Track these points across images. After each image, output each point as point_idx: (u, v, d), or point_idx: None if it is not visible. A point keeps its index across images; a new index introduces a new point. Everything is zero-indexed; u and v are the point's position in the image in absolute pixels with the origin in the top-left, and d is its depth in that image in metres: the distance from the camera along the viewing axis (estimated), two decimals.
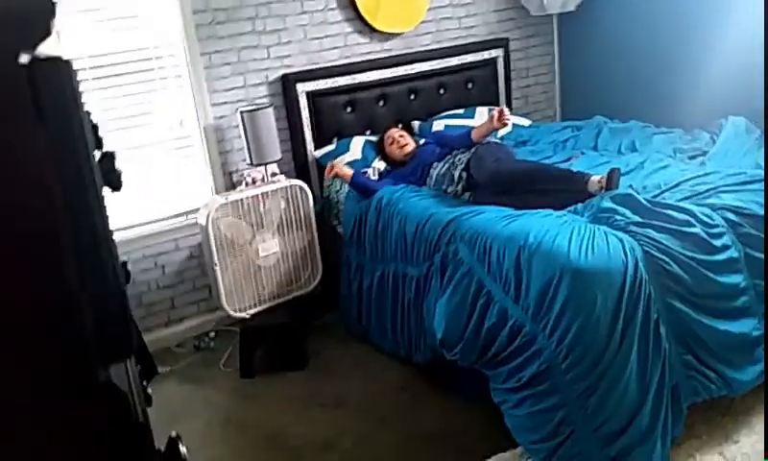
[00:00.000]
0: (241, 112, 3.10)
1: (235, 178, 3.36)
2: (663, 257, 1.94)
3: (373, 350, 2.94)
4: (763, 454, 1.86)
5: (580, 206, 2.27)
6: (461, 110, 3.72)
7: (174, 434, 1.04)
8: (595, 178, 2.34)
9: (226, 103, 3.29)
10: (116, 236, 3.07)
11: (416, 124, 3.71)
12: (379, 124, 3.62)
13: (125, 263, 1.95)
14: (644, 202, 2.12)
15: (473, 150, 2.86)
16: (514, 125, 3.60)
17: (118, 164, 1.12)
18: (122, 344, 0.89)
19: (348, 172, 3.13)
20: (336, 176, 3.18)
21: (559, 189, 2.41)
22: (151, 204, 3.24)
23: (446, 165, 2.93)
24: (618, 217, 2.07)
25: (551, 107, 4.35)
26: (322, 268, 3.16)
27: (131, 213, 3.19)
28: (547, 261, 1.94)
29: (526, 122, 3.68)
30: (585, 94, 4.14)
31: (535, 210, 2.30)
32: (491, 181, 2.58)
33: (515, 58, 4.09)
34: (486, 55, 3.93)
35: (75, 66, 0.87)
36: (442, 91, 3.81)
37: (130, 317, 0.92)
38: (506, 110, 2.76)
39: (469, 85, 3.90)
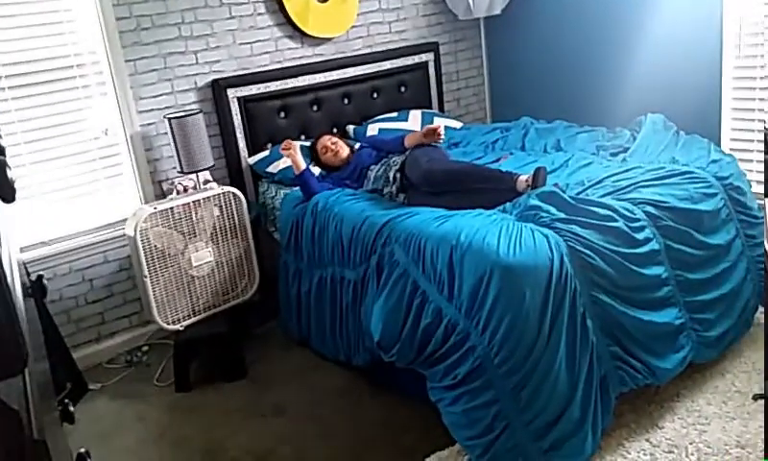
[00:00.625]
0: (168, 119, 3.02)
1: (165, 186, 3.28)
2: (587, 252, 2.02)
3: (314, 356, 2.92)
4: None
5: (509, 204, 2.32)
6: (394, 114, 3.75)
7: (83, 450, 1.00)
8: (522, 177, 2.41)
9: (153, 110, 3.20)
10: (41, 251, 2.96)
11: (350, 128, 3.72)
12: (314, 128, 3.61)
13: (40, 278, 1.88)
14: (568, 198, 2.19)
15: (408, 152, 2.89)
16: (446, 127, 3.65)
17: (14, 174, 1.06)
18: (10, 359, 0.85)
19: (301, 163, 3.05)
20: (290, 157, 3.04)
21: (489, 189, 2.46)
22: (77, 216, 3.12)
23: (383, 167, 2.94)
24: (544, 214, 2.13)
25: (482, 108, 4.45)
26: (259, 275, 3.11)
27: (56, 227, 3.06)
28: (478, 259, 1.98)
29: (458, 124, 3.75)
30: (513, 95, 4.26)
31: (467, 210, 2.35)
32: (424, 181, 2.61)
33: (445, 61, 4.16)
34: (417, 59, 3.98)
35: None
36: (375, 95, 3.83)
37: (19, 331, 0.88)
38: (441, 130, 2.87)
39: (402, 89, 3.94)
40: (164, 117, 3.07)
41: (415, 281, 2.19)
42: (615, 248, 2.07)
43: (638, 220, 2.16)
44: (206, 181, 3.30)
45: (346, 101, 3.73)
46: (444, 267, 2.09)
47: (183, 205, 2.82)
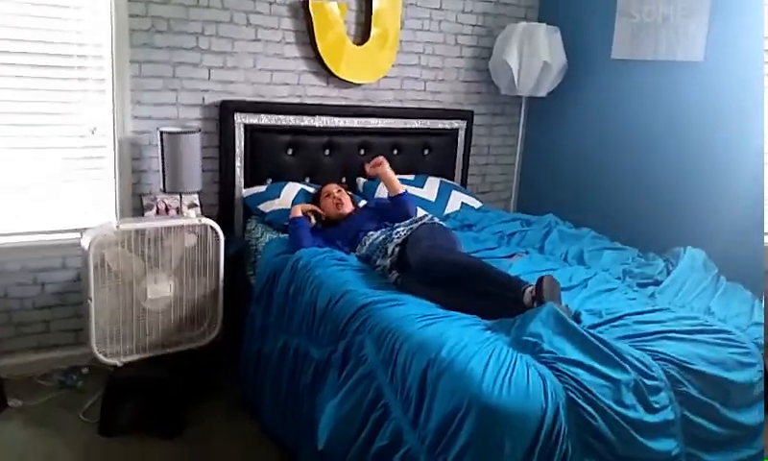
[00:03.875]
0: (161, 132, 2.74)
1: (146, 201, 2.98)
2: (589, 408, 1.65)
3: (261, 431, 2.55)
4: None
5: (508, 320, 1.97)
6: (411, 176, 3.44)
7: None
8: (529, 287, 2.05)
9: (150, 118, 2.94)
10: None
11: (361, 181, 3.41)
12: (321, 173, 3.31)
13: None
14: (580, 331, 1.83)
15: (414, 227, 2.56)
16: (462, 204, 3.34)
17: None
18: None
19: (299, 212, 2.79)
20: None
21: (492, 293, 2.11)
22: (42, 213, 2.83)
23: (383, 236, 2.62)
24: (546, 347, 1.77)
25: (508, 189, 4.12)
26: (222, 322, 2.77)
27: (14, 219, 2.77)
28: (455, 386, 1.63)
29: (476, 204, 3.42)
30: (543, 185, 3.94)
31: (460, 314, 2.01)
32: (421, 267, 2.27)
33: (477, 133, 3.87)
34: (447, 124, 3.69)
35: None
36: (395, 152, 3.54)
37: None
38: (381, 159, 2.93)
39: (426, 152, 3.64)
40: (158, 129, 2.79)
41: (379, 389, 1.84)
42: (623, 410, 1.69)
43: (655, 379, 1.78)
44: (192, 205, 3.02)
45: (362, 151, 3.43)
46: (414, 382, 1.74)
47: (151, 229, 2.51)
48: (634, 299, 2.28)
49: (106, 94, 2.84)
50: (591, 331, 1.88)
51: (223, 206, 3.15)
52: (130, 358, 2.55)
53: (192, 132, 2.78)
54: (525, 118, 3.89)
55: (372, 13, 3.30)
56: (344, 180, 3.40)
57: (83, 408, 2.64)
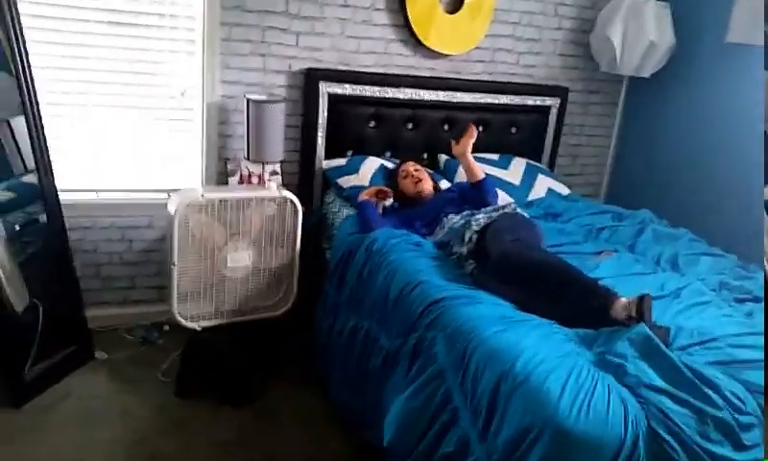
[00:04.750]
0: (248, 99, 2.74)
1: (230, 166, 3.02)
2: (671, 440, 1.53)
3: (328, 406, 2.57)
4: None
5: (592, 332, 1.86)
6: (495, 156, 3.31)
7: None
8: (622, 301, 1.90)
9: (238, 83, 2.94)
10: (87, 197, 2.75)
11: (443, 158, 3.31)
12: (403, 147, 3.24)
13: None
14: (669, 356, 1.70)
15: (494, 218, 2.46)
16: (549, 190, 3.18)
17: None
18: None
19: (364, 195, 2.75)
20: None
21: (576, 300, 1.99)
22: (132, 172, 2.92)
23: (462, 221, 2.53)
24: (631, 370, 1.65)
25: (599, 173, 3.90)
26: (296, 293, 2.79)
27: (106, 176, 2.88)
28: (529, 405, 1.55)
29: (564, 190, 3.24)
30: (638, 172, 3.69)
31: (538, 318, 1.91)
32: (499, 261, 2.15)
33: (570, 111, 3.65)
34: (539, 101, 3.49)
35: None
36: (481, 128, 3.39)
37: None
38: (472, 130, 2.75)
39: (513, 130, 3.48)
40: (244, 95, 2.79)
41: (448, 391, 1.79)
42: (708, 445, 1.56)
43: (749, 414, 1.64)
44: (273, 173, 3.03)
45: (446, 127, 3.32)
46: (486, 392, 1.67)
47: (235, 199, 2.53)
48: (730, 316, 2.10)
49: (196, 57, 2.86)
50: (682, 357, 1.75)
51: (303, 175, 3.14)
52: (208, 323, 2.61)
53: (277, 101, 2.76)
54: (624, 99, 3.63)
55: None
56: (425, 156, 3.31)
57: (161, 368, 2.75)
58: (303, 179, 3.15)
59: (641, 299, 1.86)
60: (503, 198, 3.02)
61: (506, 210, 2.50)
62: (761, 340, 1.92)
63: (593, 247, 2.63)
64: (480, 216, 2.49)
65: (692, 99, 3.36)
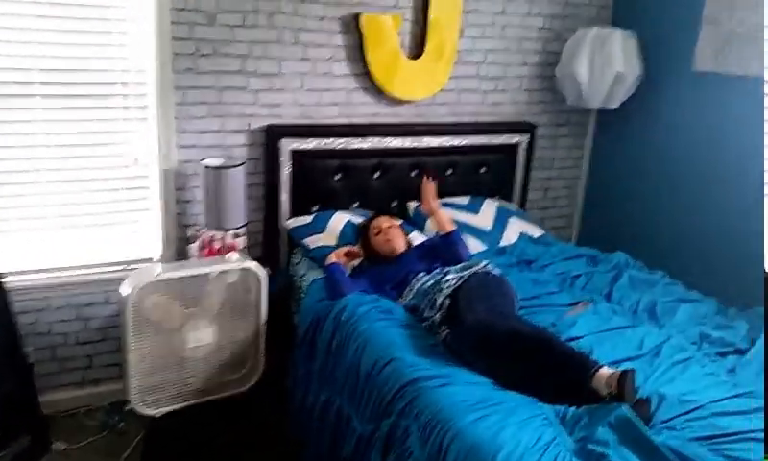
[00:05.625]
0: (205, 166, 2.63)
1: (190, 232, 2.90)
2: None
3: None
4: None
5: (572, 412, 1.77)
6: (465, 200, 3.23)
7: None
8: (605, 371, 1.82)
9: (195, 147, 2.82)
10: (36, 279, 2.61)
11: (411, 205, 3.22)
12: (371, 197, 3.15)
13: None
14: (652, 441, 1.61)
15: (464, 277, 2.37)
16: (521, 234, 3.11)
17: None
18: None
19: (332, 257, 2.66)
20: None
21: (556, 372, 1.90)
22: (85, 247, 2.78)
23: (431, 281, 2.45)
24: (614, 459, 1.57)
25: (572, 204, 3.85)
26: (264, 366, 2.67)
27: (57, 254, 2.73)
28: None
29: (537, 232, 3.17)
30: (611, 202, 3.64)
31: (517, 397, 1.83)
32: (476, 333, 2.06)
33: (540, 145, 3.60)
34: (507, 139, 3.42)
35: None
36: (450, 171, 3.32)
37: None
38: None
39: (483, 169, 3.40)
40: (201, 162, 2.68)
41: None
42: None
43: None
44: (236, 236, 2.91)
45: (414, 172, 3.23)
46: None
47: (192, 276, 2.41)
48: (712, 373, 2.04)
49: (149, 122, 2.74)
50: (665, 435, 1.67)
51: (268, 235, 3.03)
52: (169, 408, 2.48)
53: (235, 165, 2.65)
54: (593, 130, 3.58)
55: (428, 23, 3.06)
56: (395, 204, 3.22)
57: (123, 454, 2.61)
58: (268, 238, 3.04)
59: (623, 375, 1.78)
60: (475, 246, 2.96)
61: (477, 270, 2.42)
62: (747, 403, 1.86)
63: (569, 297, 2.55)
64: (450, 276, 2.41)
65: (662, 128, 3.32)
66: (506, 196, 3.49)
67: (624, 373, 1.78)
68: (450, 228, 2.73)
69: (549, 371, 1.92)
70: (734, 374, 2.05)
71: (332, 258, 2.64)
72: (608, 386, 1.78)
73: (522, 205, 3.56)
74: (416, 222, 3.12)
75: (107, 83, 2.63)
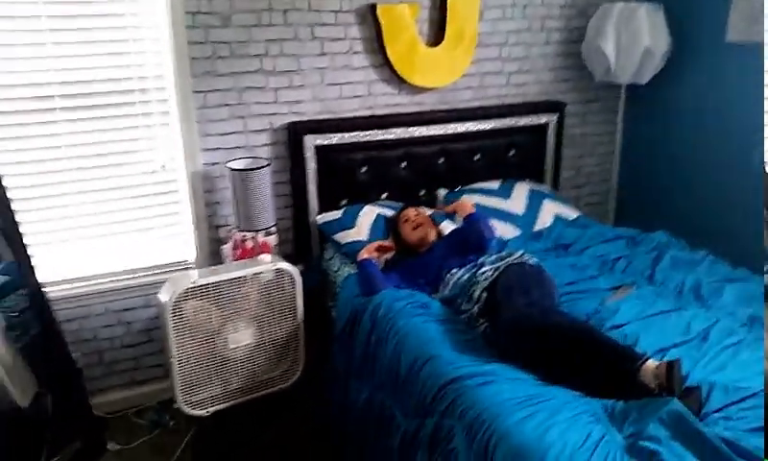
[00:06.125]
0: (231, 169, 2.61)
1: (223, 233, 2.90)
2: None
3: None
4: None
5: (621, 406, 1.72)
6: (495, 185, 3.16)
7: None
8: (651, 364, 1.76)
9: (219, 149, 2.81)
10: (77, 288, 2.63)
11: (441, 192, 3.18)
12: (399, 187, 3.11)
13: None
14: (706, 435, 1.56)
15: (500, 269, 2.32)
16: (556, 217, 3.04)
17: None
18: None
19: (364, 253, 2.64)
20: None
21: (600, 366, 1.85)
22: (121, 254, 2.80)
23: (467, 274, 2.40)
24: (666, 456, 1.51)
25: (606, 180, 3.75)
26: (304, 361, 2.67)
27: (95, 262, 2.76)
28: None
29: (572, 214, 3.09)
30: (648, 177, 3.54)
31: (563, 392, 1.78)
32: (515, 330, 2.01)
33: (569, 123, 3.50)
34: (535, 119, 3.34)
35: None
36: (477, 156, 3.25)
37: None
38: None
39: (511, 153, 3.33)
40: (226, 165, 2.66)
41: None
42: None
43: None
44: (268, 233, 2.89)
45: (441, 160, 3.18)
46: None
47: (227, 280, 2.41)
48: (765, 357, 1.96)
49: (172, 127, 2.73)
50: (720, 426, 1.61)
51: (299, 232, 3.02)
52: (216, 407, 2.51)
53: (261, 166, 2.63)
54: (624, 106, 3.47)
55: (446, 9, 2.98)
56: (422, 192, 3.18)
57: (175, 453, 2.65)
58: (299, 234, 3.03)
59: (670, 366, 1.72)
60: (509, 231, 2.91)
61: (513, 260, 2.36)
62: None
63: (610, 281, 2.48)
64: (486, 268, 2.36)
65: (694, 100, 3.21)
66: (537, 177, 3.41)
67: (671, 363, 1.72)
68: (470, 208, 2.75)
69: (594, 364, 1.86)
70: None
71: (364, 254, 2.62)
72: (656, 378, 1.72)
73: (555, 185, 3.48)
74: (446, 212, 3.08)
75: (126, 91, 2.62)
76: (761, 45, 2.78)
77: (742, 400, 1.74)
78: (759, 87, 2.85)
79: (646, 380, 1.75)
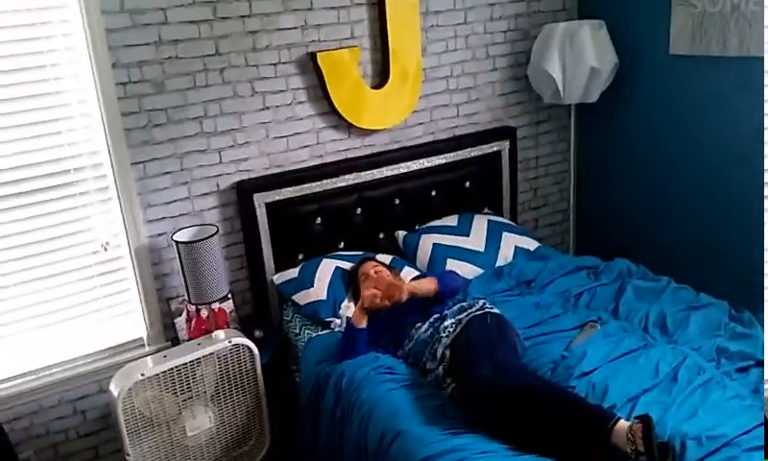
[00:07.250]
0: (176, 242, 2.49)
1: (174, 306, 2.78)
2: None
3: None
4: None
5: None
6: (454, 221, 3.11)
7: None
8: (623, 425, 1.71)
9: (164, 218, 2.69)
10: (26, 384, 2.47)
11: (400, 235, 3.11)
12: (356, 235, 3.03)
13: None
14: None
15: (463, 322, 2.25)
16: (516, 249, 2.99)
17: None
18: None
19: (362, 320, 2.37)
20: (367, 298, 2.37)
21: (571, 430, 1.79)
22: (69, 341, 2.66)
23: (430, 330, 2.33)
24: None
25: (564, 199, 3.72)
26: (270, 435, 2.57)
27: (42, 353, 2.61)
28: None
29: (531, 244, 3.05)
30: (604, 192, 3.52)
31: (536, 459, 1.72)
32: (484, 397, 1.93)
33: (523, 146, 3.46)
34: (487, 148, 3.29)
35: None
36: (433, 193, 3.19)
37: None
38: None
39: (467, 184, 3.27)
40: (171, 237, 2.55)
41: None
42: None
43: None
44: (223, 299, 2.79)
45: (397, 200, 3.10)
46: None
47: (180, 365, 2.29)
48: (736, 396, 1.93)
49: (111, 204, 2.60)
50: None
51: (256, 293, 2.91)
52: None
53: (208, 236, 2.51)
54: (575, 124, 3.43)
55: (388, 49, 2.91)
56: (381, 236, 3.10)
57: None
58: (257, 295, 2.92)
59: (646, 427, 1.66)
60: (471, 271, 2.85)
61: (475, 313, 2.29)
62: None
63: (575, 319, 2.43)
64: (448, 322, 2.29)
65: (645, 113, 3.19)
66: (495, 204, 3.37)
67: (645, 425, 1.67)
68: (434, 287, 2.47)
69: (565, 429, 1.81)
70: (759, 394, 1.94)
71: (362, 321, 2.37)
72: (629, 441, 1.67)
73: (513, 210, 3.44)
74: (406, 253, 3.01)
75: (61, 172, 2.49)
76: (707, 57, 2.78)
77: (717, 450, 1.70)
78: (707, 97, 2.85)
79: (619, 443, 1.70)
